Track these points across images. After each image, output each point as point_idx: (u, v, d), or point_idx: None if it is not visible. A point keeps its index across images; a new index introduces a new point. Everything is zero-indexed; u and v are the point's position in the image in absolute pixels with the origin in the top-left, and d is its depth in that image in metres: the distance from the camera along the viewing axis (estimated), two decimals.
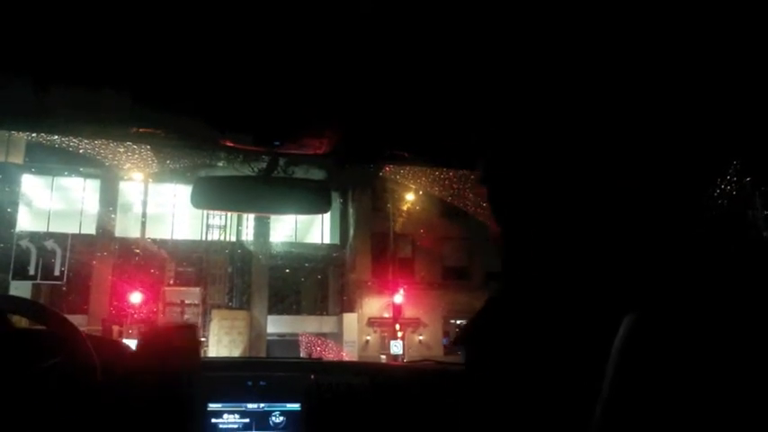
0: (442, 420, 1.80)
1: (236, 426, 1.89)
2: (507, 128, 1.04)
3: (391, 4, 1.11)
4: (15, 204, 16.71)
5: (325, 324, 23.05)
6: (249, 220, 21.76)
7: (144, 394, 1.63)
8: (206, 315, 21.32)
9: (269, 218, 19.97)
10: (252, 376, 1.96)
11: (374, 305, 22.29)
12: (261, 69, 1.37)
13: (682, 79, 1.01)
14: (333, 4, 1.14)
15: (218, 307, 21.57)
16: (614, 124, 0.91)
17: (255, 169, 1.80)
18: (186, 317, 21.13)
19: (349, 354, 21.48)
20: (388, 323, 21.30)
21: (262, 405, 1.92)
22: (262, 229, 22.22)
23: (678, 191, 0.87)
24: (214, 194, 1.79)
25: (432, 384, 1.99)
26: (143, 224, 20.56)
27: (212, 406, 1.89)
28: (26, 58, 1.35)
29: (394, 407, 1.89)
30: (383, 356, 21.49)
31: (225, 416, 1.89)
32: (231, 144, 1.74)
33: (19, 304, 1.62)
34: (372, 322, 22.26)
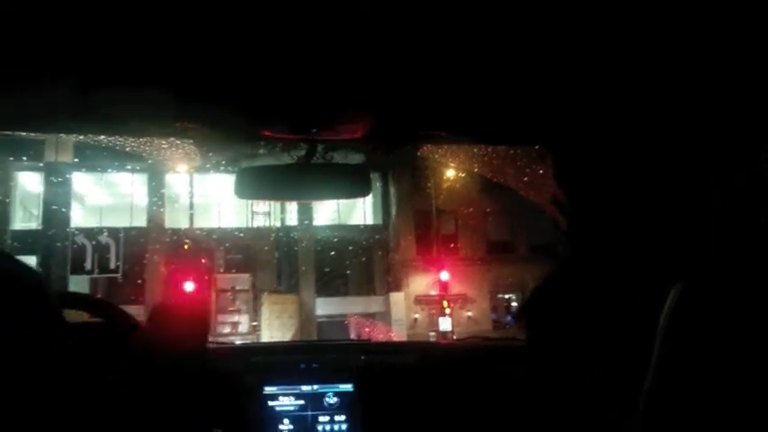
0: (491, 397, 1.84)
1: (292, 408, 1.97)
2: (576, 103, 1.03)
3: None
4: (68, 202, 17.33)
5: (372, 304, 23.27)
6: (292, 205, 22.03)
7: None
8: (256, 300, 21.80)
9: (311, 203, 20.17)
10: (305, 359, 2.02)
11: (420, 283, 22.37)
12: (294, 58, 1.38)
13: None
14: None
15: (268, 292, 22.03)
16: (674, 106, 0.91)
17: (295, 157, 1.83)
18: (237, 303, 21.66)
19: (397, 332, 21.68)
20: (436, 300, 21.35)
21: (315, 387, 1.99)
22: (305, 213, 22.51)
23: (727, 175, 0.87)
24: (256, 184, 1.82)
25: (480, 361, 2.02)
26: (191, 215, 21.07)
27: (268, 389, 1.97)
28: (69, 61, 1.40)
29: (443, 385, 1.93)
30: (432, 334, 21.60)
31: (281, 398, 1.97)
32: (270, 134, 1.77)
33: (79, 300, 1.71)
34: (419, 300, 22.36)
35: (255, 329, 21.67)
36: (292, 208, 22.40)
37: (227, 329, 21.49)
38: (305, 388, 1.99)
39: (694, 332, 0.67)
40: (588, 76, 1.24)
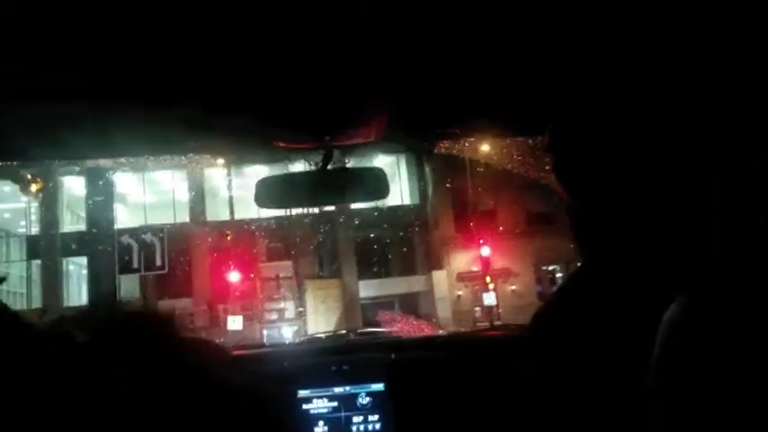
0: (521, 388, 1.81)
1: (325, 410, 1.98)
2: (576, 96, 1.00)
3: None
4: (112, 204, 17.85)
5: (414, 284, 23.36)
6: None
7: None
8: (300, 287, 22.14)
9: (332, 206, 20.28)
10: (335, 361, 2.03)
11: (462, 260, 22.32)
12: (301, 67, 1.38)
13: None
14: None
15: (311, 278, 22.33)
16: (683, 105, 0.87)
17: (312, 163, 1.85)
18: (282, 290, 22.04)
19: (442, 310, 21.74)
20: (479, 276, 21.29)
21: (348, 388, 1.99)
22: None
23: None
24: (276, 193, 1.85)
25: (511, 352, 1.99)
26: (231, 207, 21.45)
27: (302, 393, 1.99)
28: (79, 84, 1.42)
29: (475, 379, 1.92)
30: (477, 309, 21.61)
31: (314, 401, 1.99)
32: (284, 144, 1.78)
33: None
34: (462, 277, 22.33)
35: (301, 315, 22.04)
36: None
37: (274, 316, 21.91)
38: (337, 390, 2.00)
39: (691, 350, 0.65)
40: (591, 70, 1.21)
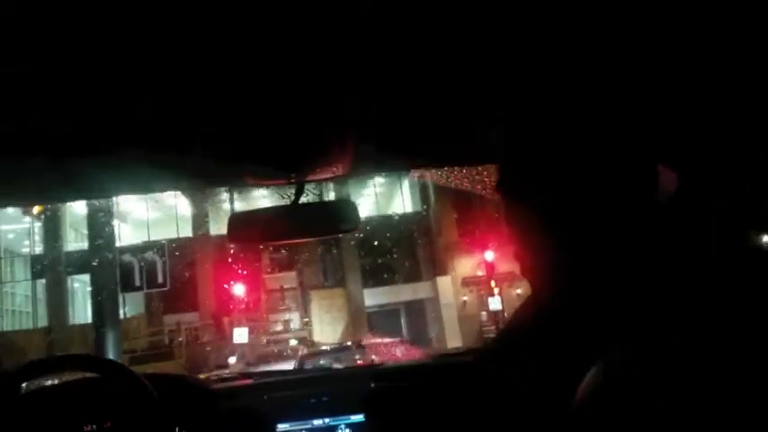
0: (506, 416, 1.79)
1: None
2: (523, 129, 0.95)
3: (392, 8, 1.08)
4: (112, 221, 17.89)
5: (420, 290, 23.31)
6: (330, 197, 22.22)
7: None
8: (304, 297, 22.12)
9: (348, 190, 20.33)
10: (313, 393, 2.01)
11: (466, 265, 22.25)
12: (270, 107, 1.38)
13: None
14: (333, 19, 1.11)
15: (315, 288, 22.31)
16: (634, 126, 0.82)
17: (284, 196, 1.85)
18: (287, 301, 22.03)
19: (448, 316, 21.67)
20: (483, 281, 21.20)
21: (327, 420, 1.98)
22: None
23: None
24: (248, 229, 1.85)
25: (495, 378, 1.97)
26: None
27: (281, 427, 1.97)
28: (44, 133, 1.41)
29: (455, 407, 1.89)
30: (483, 313, 21.52)
31: None
32: (254, 181, 1.78)
33: (79, 362, 1.73)
34: (467, 282, 22.25)
35: (307, 325, 22.02)
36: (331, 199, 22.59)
37: (279, 327, 21.90)
38: (317, 422, 1.98)
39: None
40: (582, 75, 1.17)
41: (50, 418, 1.77)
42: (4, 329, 18.33)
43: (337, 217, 1.81)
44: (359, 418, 1.97)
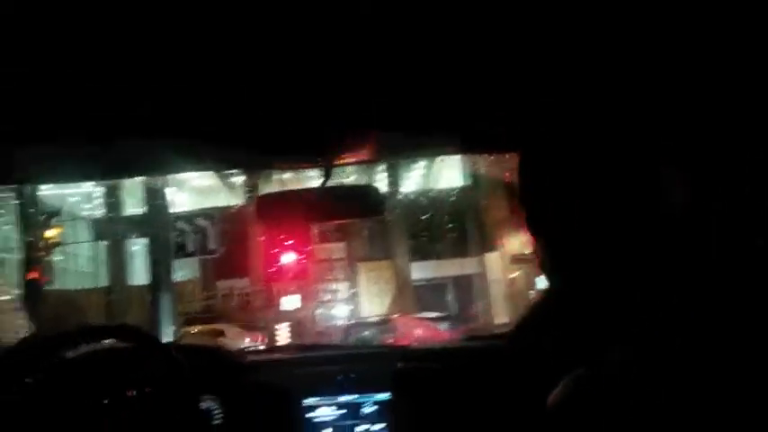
0: (524, 400, 1.76)
1: (330, 418, 1.99)
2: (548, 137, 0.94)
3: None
4: (166, 188, 18.45)
5: (467, 265, 23.24)
6: (382, 173, 22.28)
7: None
8: (352, 268, 22.40)
9: (398, 166, 20.35)
10: (342, 370, 2.03)
11: (515, 242, 21.97)
12: (299, 91, 1.40)
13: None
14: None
15: (363, 260, 22.54)
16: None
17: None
18: (335, 271, 22.36)
19: (495, 292, 21.57)
20: (533, 259, 20.89)
21: (353, 397, 1.99)
22: (394, 179, 22.65)
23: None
24: (277, 209, 1.89)
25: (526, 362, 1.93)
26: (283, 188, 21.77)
27: (307, 401, 2.00)
28: (83, 116, 1.45)
29: (477, 390, 1.87)
30: (531, 292, 21.30)
31: (319, 410, 1.99)
32: (283, 165, 1.83)
33: (115, 332, 1.78)
34: (516, 259, 21.97)
35: (354, 296, 22.33)
36: (382, 176, 22.65)
37: (327, 297, 22.28)
38: (343, 398, 2.00)
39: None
40: (582, 75, 1.16)
41: (92, 384, 1.84)
42: (69, 288, 19.29)
43: (364, 201, 1.85)
44: (385, 396, 1.98)
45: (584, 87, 1.01)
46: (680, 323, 0.62)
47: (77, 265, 21.70)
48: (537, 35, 1.14)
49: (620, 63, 1.04)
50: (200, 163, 1.83)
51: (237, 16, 1.07)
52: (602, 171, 0.78)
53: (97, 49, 1.15)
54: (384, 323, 14.43)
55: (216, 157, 1.79)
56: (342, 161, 1.76)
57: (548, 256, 0.94)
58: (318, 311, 21.24)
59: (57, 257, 17.71)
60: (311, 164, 1.78)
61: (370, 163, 2.16)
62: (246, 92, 1.37)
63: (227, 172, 22.37)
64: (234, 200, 22.41)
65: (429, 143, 1.82)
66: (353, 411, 1.98)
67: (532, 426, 1.76)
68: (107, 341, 1.81)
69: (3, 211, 16.49)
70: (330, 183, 1.80)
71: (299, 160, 1.80)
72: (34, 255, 15.77)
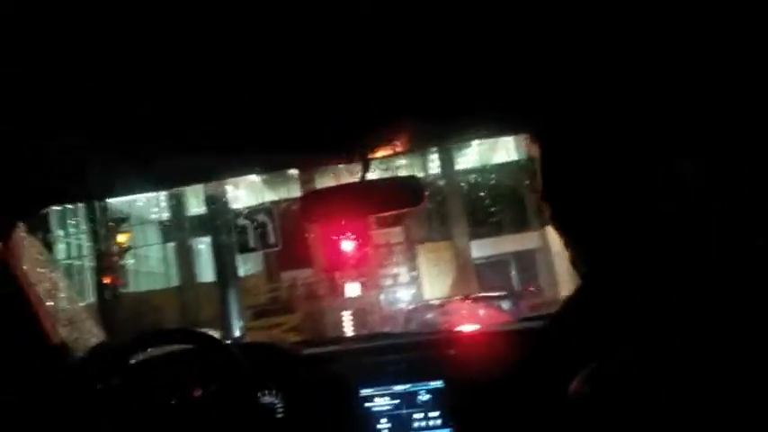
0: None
1: (386, 408, 2.03)
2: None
3: None
4: (225, 189, 18.92)
5: (527, 240, 22.85)
6: (433, 152, 22.13)
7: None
8: (411, 251, 22.43)
9: (450, 147, 20.17)
10: (394, 359, 2.07)
11: None
12: (333, 87, 1.42)
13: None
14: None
15: (422, 242, 22.53)
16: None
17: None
18: (394, 256, 22.46)
19: (560, 266, 21.14)
20: None
21: (407, 386, 2.03)
22: (446, 159, 22.49)
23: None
24: (320, 207, 1.92)
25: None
26: (337, 179, 21.97)
27: (364, 392, 2.05)
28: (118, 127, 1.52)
29: (528, 375, 1.87)
30: None
31: (375, 399, 2.04)
32: (320, 161, 1.87)
33: (177, 336, 1.87)
34: None
35: (415, 279, 22.37)
36: (434, 157, 22.51)
37: (389, 282, 22.42)
38: (398, 388, 2.04)
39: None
40: (588, 67, 1.15)
41: (159, 386, 1.94)
42: (142, 290, 20.19)
43: (404, 192, 1.86)
44: (438, 384, 2.00)
45: (607, 85, 1.00)
46: (680, 323, 0.61)
47: (149, 266, 22.66)
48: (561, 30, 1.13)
49: (636, 61, 1.03)
50: (246, 167, 1.87)
51: (273, 18, 1.09)
52: (621, 166, 0.78)
53: (145, 57, 1.18)
54: (445, 305, 14.39)
55: (259, 159, 1.84)
56: (378, 154, 1.77)
57: (576, 252, 0.95)
58: (381, 297, 21.42)
59: (128, 261, 18.54)
60: (348, 159, 1.80)
61: (406, 153, 2.18)
62: (280, 93, 1.39)
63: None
64: (292, 193, 22.81)
65: (459, 129, 1.81)
66: (409, 400, 2.01)
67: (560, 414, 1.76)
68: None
69: (75, 221, 17.34)
70: (371, 175, 1.82)
71: (335, 156, 1.82)
72: (107, 260, 16.56)
